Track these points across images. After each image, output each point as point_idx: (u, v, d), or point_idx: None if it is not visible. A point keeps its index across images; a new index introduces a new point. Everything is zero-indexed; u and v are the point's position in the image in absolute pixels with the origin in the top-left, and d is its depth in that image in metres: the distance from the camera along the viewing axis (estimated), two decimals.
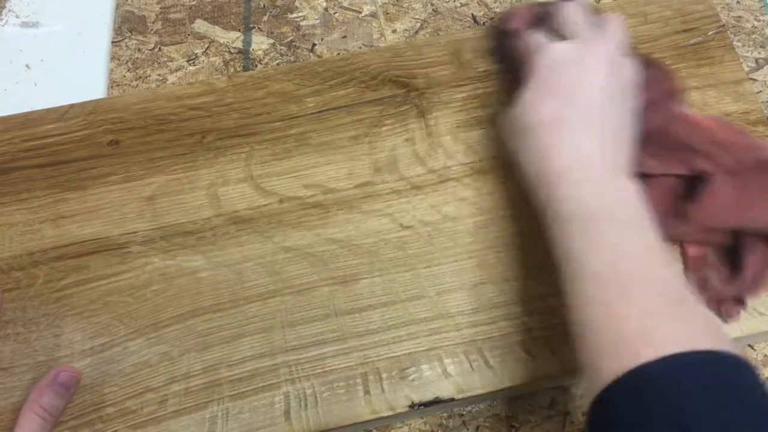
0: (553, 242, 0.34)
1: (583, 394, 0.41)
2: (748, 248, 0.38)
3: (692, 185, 0.39)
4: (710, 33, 0.47)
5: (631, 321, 0.29)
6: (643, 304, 0.29)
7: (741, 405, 0.26)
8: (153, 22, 0.54)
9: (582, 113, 0.36)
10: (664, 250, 0.32)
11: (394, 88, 0.46)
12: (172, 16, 0.54)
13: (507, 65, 0.46)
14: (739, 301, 0.38)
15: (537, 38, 0.40)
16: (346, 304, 0.40)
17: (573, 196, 0.34)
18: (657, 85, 0.41)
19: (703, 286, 0.39)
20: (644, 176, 0.39)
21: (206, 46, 0.52)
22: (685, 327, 0.29)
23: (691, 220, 0.38)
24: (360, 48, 0.52)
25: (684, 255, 0.40)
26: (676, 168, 0.39)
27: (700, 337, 0.28)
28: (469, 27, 0.52)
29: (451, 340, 0.39)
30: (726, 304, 0.38)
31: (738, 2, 0.51)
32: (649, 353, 0.27)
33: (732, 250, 0.39)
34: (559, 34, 0.39)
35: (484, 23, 0.52)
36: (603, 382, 0.28)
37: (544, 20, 0.41)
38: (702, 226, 0.39)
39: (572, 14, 0.39)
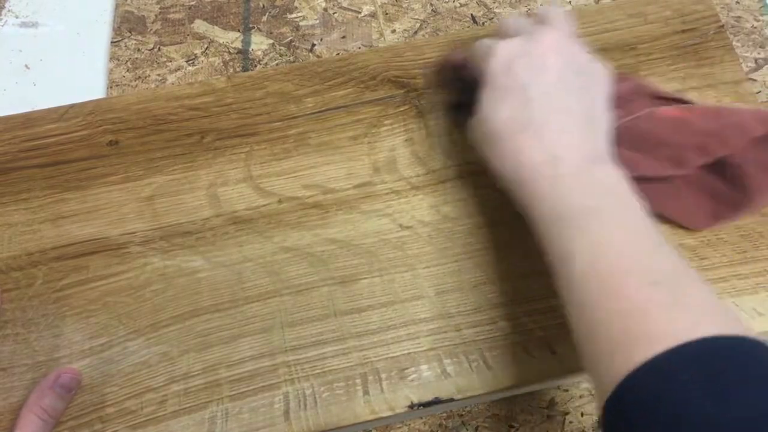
0: (539, 245, 0.33)
1: (592, 398, 0.41)
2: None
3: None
4: (710, 33, 0.47)
5: (621, 319, 0.27)
6: (632, 299, 0.28)
7: (746, 386, 0.24)
8: (152, 23, 0.54)
9: (543, 108, 0.34)
10: (655, 232, 0.31)
11: (393, 89, 0.46)
12: (171, 16, 0.54)
13: (466, 97, 0.41)
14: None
15: (484, 43, 0.38)
16: (346, 305, 0.40)
17: (548, 196, 0.32)
18: (625, 83, 0.40)
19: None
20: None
21: (205, 46, 0.52)
22: (682, 315, 0.27)
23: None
24: (359, 48, 0.52)
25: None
26: (668, 168, 0.39)
27: (700, 323, 0.26)
28: (468, 27, 0.52)
29: (450, 340, 0.39)
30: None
31: (737, 2, 0.51)
32: (640, 353, 0.26)
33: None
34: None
35: (483, 23, 0.52)
36: (603, 391, 0.27)
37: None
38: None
39: (512, 21, 0.39)
